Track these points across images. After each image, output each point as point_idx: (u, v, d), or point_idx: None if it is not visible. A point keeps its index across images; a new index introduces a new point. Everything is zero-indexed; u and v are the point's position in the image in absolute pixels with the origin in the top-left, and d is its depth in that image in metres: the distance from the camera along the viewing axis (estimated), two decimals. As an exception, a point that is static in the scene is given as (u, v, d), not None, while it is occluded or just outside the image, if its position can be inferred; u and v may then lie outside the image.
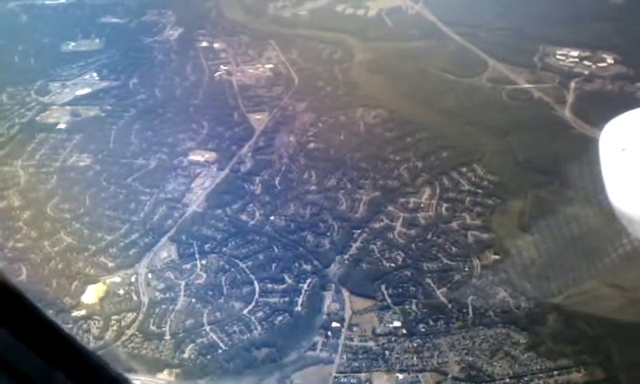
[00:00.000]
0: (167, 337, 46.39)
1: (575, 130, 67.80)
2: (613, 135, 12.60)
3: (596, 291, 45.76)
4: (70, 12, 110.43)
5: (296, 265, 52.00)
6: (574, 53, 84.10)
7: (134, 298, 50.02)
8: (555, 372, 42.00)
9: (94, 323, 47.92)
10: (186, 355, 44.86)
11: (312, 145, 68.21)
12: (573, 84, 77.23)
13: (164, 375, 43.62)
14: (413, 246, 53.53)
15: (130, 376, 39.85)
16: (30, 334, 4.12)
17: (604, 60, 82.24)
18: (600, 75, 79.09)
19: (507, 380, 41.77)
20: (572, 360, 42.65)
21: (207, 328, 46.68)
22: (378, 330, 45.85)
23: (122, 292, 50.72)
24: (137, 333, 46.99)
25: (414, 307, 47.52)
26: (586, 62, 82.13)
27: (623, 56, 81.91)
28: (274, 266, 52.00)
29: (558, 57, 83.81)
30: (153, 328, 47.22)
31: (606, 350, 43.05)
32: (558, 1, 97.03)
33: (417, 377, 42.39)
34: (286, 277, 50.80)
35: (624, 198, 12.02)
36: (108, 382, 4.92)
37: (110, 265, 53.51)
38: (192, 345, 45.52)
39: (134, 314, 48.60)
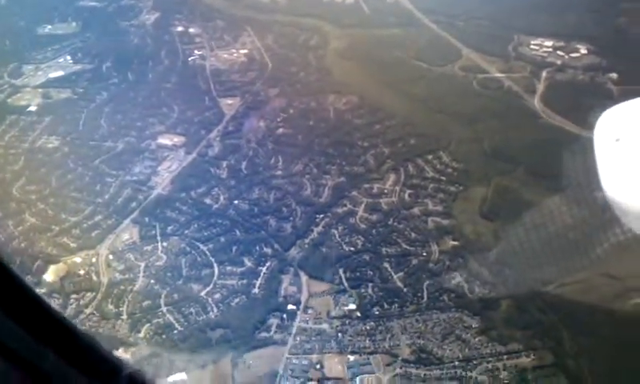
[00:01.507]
0: (124, 316, 46.61)
1: (543, 119, 68.31)
2: (607, 126, 12.61)
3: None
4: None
5: (256, 248, 52.28)
6: (549, 43, 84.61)
7: (94, 278, 50.18)
8: (505, 356, 42.53)
9: (54, 301, 47.90)
10: (141, 335, 45.11)
11: (281, 130, 68.46)
12: (544, 74, 77.68)
13: (119, 353, 43.78)
14: (373, 231, 53.88)
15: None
16: (18, 310, 4.17)
17: (577, 50, 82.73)
18: (572, 65, 79.54)
19: (456, 363, 42.23)
20: (522, 345, 43.19)
21: (164, 309, 46.94)
22: (333, 313, 46.22)
23: (82, 272, 50.87)
24: (94, 312, 47.23)
25: (369, 291, 47.92)
26: (559, 52, 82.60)
27: (597, 47, 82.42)
28: (234, 248, 52.25)
29: (532, 46, 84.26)
30: (110, 307, 47.46)
31: (556, 336, 43.63)
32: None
33: (367, 359, 42.82)
34: (246, 260, 51.09)
35: (618, 188, 11.98)
36: (98, 361, 4.96)
37: (72, 245, 53.63)
38: (148, 325, 45.78)
39: (93, 293, 48.80)
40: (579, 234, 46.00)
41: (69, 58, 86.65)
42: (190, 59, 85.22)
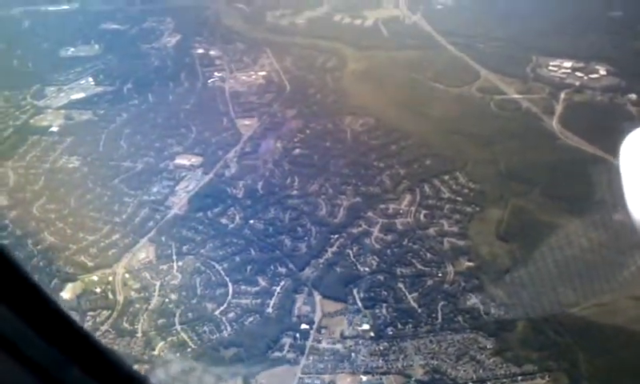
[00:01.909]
0: (139, 334, 46.87)
1: (561, 140, 67.93)
2: (632, 148, 12.53)
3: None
4: (72, 18, 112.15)
5: (271, 268, 52.41)
6: (567, 64, 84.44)
7: (110, 296, 50.60)
8: (519, 377, 42.13)
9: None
10: (155, 352, 45.32)
11: (297, 151, 68.87)
12: (562, 95, 77.44)
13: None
14: (388, 251, 53.80)
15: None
16: (46, 327, 4.25)
17: (596, 71, 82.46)
18: (591, 86, 79.26)
19: (470, 383, 41.83)
20: (537, 366, 42.73)
21: (178, 327, 47.11)
22: (347, 333, 46.07)
23: (98, 290, 51.34)
24: (110, 329, 47.56)
25: (384, 311, 47.72)
26: (578, 73, 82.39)
27: (616, 68, 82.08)
28: (249, 268, 52.44)
29: (550, 68, 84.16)
30: (126, 325, 47.76)
31: (572, 357, 43.08)
32: (556, 12, 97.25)
33: (380, 379, 42.58)
34: (260, 279, 51.22)
35: None
36: (124, 378, 4.96)
37: (90, 264, 54.14)
38: (162, 343, 45.96)
39: (109, 311, 49.19)
40: (605, 256, 45.79)
41: (91, 79, 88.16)
42: (209, 81, 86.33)
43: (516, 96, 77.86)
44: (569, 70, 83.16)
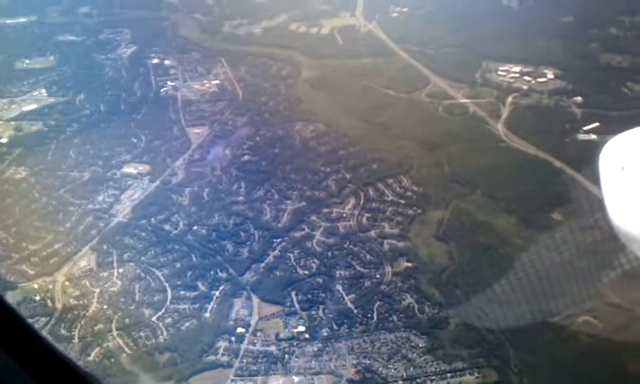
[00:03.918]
0: (75, 340, 46.91)
1: (505, 143, 68.98)
2: (612, 154, 12.86)
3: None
4: (28, 30, 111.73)
5: (211, 273, 52.66)
6: (516, 68, 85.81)
7: (49, 303, 50.66)
8: (449, 374, 42.70)
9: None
10: (90, 358, 45.33)
11: (246, 157, 69.32)
12: (510, 99, 78.64)
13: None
14: (329, 253, 54.32)
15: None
16: (30, 358, 4.38)
17: (544, 75, 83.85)
18: (538, 90, 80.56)
19: (400, 382, 42.39)
20: (467, 363, 43.32)
21: (115, 333, 47.17)
22: (282, 335, 46.43)
23: (38, 298, 51.42)
24: (47, 336, 47.40)
25: (320, 313, 48.15)
26: (526, 77, 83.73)
27: (565, 71, 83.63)
28: (189, 274, 52.66)
29: (499, 72, 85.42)
30: (63, 332, 47.81)
31: (503, 354, 43.75)
32: (508, 18, 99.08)
33: (312, 379, 42.94)
34: (200, 284, 51.47)
35: (624, 216, 12.28)
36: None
37: (31, 272, 54.11)
38: (98, 349, 46.01)
39: (47, 318, 49.18)
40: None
41: (44, 91, 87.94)
42: (162, 90, 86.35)
43: (464, 101, 78.95)
44: (517, 75, 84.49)
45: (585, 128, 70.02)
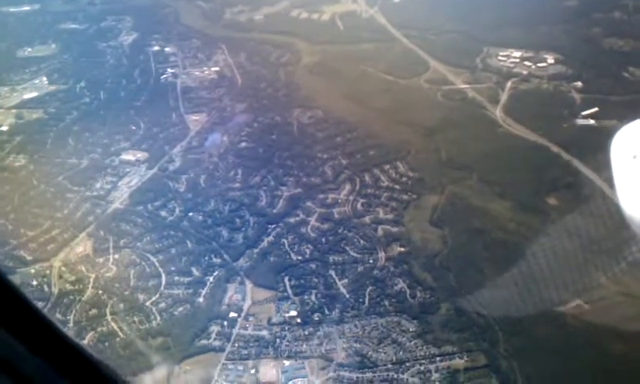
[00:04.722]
0: (70, 324, 47.42)
1: (502, 128, 68.87)
2: (624, 142, 12.75)
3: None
4: (31, 19, 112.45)
5: (206, 258, 53.01)
6: (517, 53, 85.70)
7: (46, 288, 51.15)
8: (438, 358, 42.92)
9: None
10: (85, 342, 45.78)
11: (243, 144, 69.64)
12: (509, 84, 78.59)
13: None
14: (323, 239, 54.55)
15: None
16: (35, 340, 4.37)
17: (545, 60, 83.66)
18: (538, 75, 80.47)
19: (389, 365, 42.61)
20: (457, 347, 43.52)
21: (109, 318, 47.64)
22: (274, 320, 46.77)
23: (35, 283, 51.91)
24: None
25: (312, 298, 48.43)
26: (526, 63, 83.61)
27: (565, 56, 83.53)
28: (184, 259, 53.01)
29: (499, 58, 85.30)
30: (58, 316, 48.20)
31: (492, 338, 43.92)
32: (510, 3, 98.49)
33: (302, 363, 43.26)
34: (194, 270, 51.84)
35: (635, 204, 12.18)
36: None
37: (28, 258, 54.68)
38: (92, 333, 46.53)
39: (44, 303, 49.58)
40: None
41: (45, 79, 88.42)
42: (162, 77, 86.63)
43: (463, 86, 78.84)
44: (517, 60, 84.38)
45: (583, 113, 69.77)
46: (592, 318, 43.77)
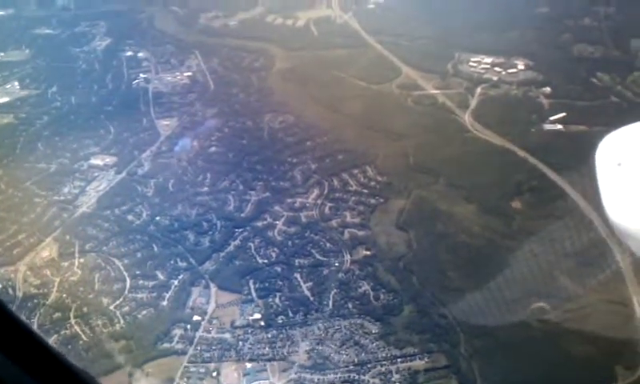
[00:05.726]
0: (34, 327, 47.11)
1: (471, 133, 69.52)
2: (609, 150, 12.61)
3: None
4: (5, 24, 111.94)
5: (171, 262, 52.98)
6: (488, 59, 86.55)
7: (10, 292, 50.90)
8: (399, 359, 43.14)
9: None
10: (48, 345, 45.58)
11: (213, 149, 69.68)
12: (479, 89, 79.33)
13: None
14: (289, 243, 54.75)
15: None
16: (24, 356, 4.50)
17: (515, 66, 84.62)
18: (508, 81, 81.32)
19: (351, 367, 42.79)
20: (418, 348, 43.81)
21: (72, 321, 47.48)
22: (237, 323, 46.83)
23: (0, 286, 51.62)
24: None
25: (277, 301, 48.56)
26: (497, 69, 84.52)
27: (536, 62, 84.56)
28: (149, 263, 52.94)
29: (471, 64, 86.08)
30: (22, 319, 47.81)
31: (453, 339, 44.28)
32: (484, 10, 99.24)
33: (264, 365, 43.36)
34: (159, 273, 51.78)
35: (620, 212, 12.11)
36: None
37: (-7, 262, 54.41)
38: (55, 336, 46.33)
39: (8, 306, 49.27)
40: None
41: (17, 84, 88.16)
42: (134, 82, 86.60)
43: (433, 91, 79.55)
44: (488, 66, 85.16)
45: (551, 118, 70.60)
46: (555, 320, 44.27)
